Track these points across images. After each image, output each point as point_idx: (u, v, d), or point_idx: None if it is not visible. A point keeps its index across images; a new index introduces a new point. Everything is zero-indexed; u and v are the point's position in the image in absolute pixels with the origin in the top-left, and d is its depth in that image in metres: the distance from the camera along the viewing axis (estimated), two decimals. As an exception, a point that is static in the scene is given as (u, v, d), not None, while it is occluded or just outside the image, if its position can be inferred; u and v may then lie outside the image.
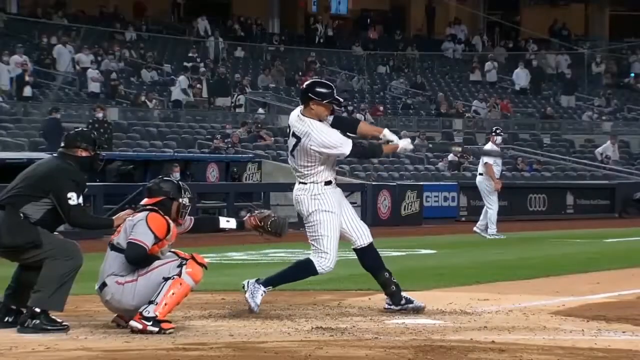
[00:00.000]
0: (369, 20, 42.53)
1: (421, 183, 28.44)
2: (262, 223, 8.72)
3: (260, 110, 33.01)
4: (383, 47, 39.95)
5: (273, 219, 8.78)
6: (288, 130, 8.91)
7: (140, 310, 7.72)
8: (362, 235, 8.97)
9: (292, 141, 8.77)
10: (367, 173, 30.64)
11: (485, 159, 20.43)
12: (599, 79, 42.87)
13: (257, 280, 8.84)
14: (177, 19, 39.21)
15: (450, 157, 32.33)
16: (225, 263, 14.47)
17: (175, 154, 26.53)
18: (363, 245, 8.96)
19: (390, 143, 8.97)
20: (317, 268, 8.85)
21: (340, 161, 30.78)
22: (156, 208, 8.06)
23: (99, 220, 9.20)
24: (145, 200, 8.18)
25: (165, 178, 8.47)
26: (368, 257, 8.98)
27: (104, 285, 7.91)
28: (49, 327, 7.76)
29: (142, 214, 8.01)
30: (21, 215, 7.86)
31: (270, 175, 27.21)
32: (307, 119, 8.70)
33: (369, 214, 25.48)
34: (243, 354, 6.91)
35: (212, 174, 24.77)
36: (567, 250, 17.51)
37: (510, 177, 30.77)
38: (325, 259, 8.84)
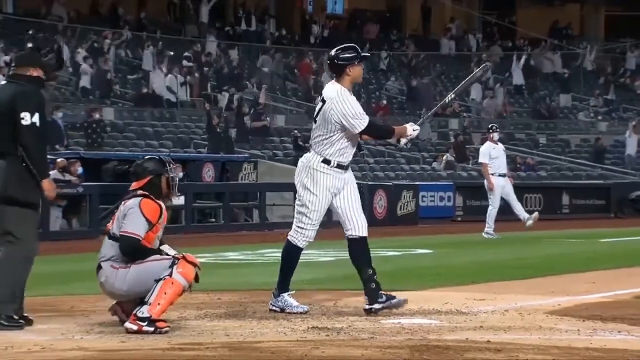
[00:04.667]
0: (364, 20, 42.51)
1: (417, 183, 28.48)
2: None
3: (261, 96, 32.97)
4: (379, 46, 39.96)
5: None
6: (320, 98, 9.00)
7: (135, 311, 7.73)
8: (356, 227, 8.95)
9: (318, 106, 8.88)
10: (363, 173, 30.64)
11: (479, 159, 20.45)
12: (595, 79, 42.92)
13: (275, 295, 8.89)
14: (173, 18, 39.19)
15: (446, 156, 32.36)
16: (221, 263, 14.46)
17: (171, 153, 26.51)
18: (354, 237, 8.94)
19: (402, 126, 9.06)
20: (296, 243, 8.92)
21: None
22: (147, 193, 8.05)
23: (45, 154, 8.22)
24: (133, 185, 8.15)
25: (146, 157, 8.48)
26: (356, 249, 8.96)
27: (99, 267, 7.99)
28: (5, 324, 7.79)
29: (134, 201, 7.99)
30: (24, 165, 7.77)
31: (265, 175, 27.22)
32: (338, 85, 8.79)
33: (365, 214, 25.43)
34: (239, 354, 6.91)
35: (208, 173, 24.77)
36: (562, 250, 17.51)
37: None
38: (301, 233, 8.90)
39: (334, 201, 8.91)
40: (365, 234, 8.99)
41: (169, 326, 7.77)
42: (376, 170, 31.55)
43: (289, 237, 8.97)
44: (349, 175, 8.99)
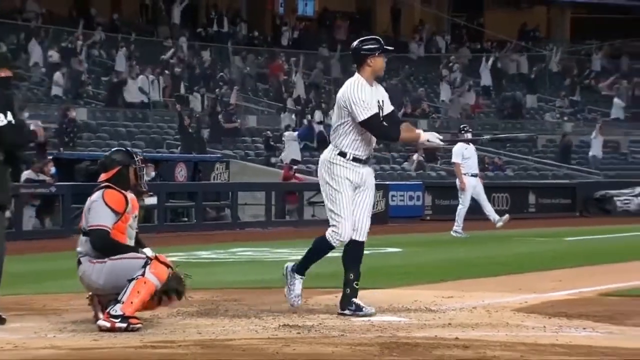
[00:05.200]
0: (335, 21, 42.53)
1: (387, 182, 28.51)
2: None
3: (232, 97, 32.91)
4: (350, 47, 39.94)
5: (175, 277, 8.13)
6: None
7: (108, 310, 7.74)
8: (360, 231, 8.76)
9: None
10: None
11: (453, 159, 20.49)
12: (561, 80, 43.16)
13: (293, 269, 8.81)
14: (146, 20, 39.03)
15: (416, 156, 32.43)
16: (193, 262, 14.42)
17: (144, 153, 26.42)
18: (355, 239, 8.76)
19: (416, 132, 8.89)
20: (330, 240, 8.72)
21: (309, 160, 30.99)
22: (110, 184, 8.10)
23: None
24: (102, 177, 8.20)
25: (114, 149, 8.54)
26: (351, 250, 8.80)
27: (79, 262, 8.05)
28: None
29: (97, 194, 8.05)
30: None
31: (237, 174, 27.20)
32: (358, 75, 8.63)
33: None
34: (211, 352, 6.89)
35: (181, 173, 24.72)
36: (529, 248, 17.60)
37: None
38: (334, 231, 8.67)
39: None
40: (363, 239, 8.83)
41: (141, 323, 7.75)
42: (347, 170, 31.54)
43: (326, 234, 8.73)
44: (368, 172, 8.74)
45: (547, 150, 37.68)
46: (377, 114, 8.52)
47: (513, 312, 8.89)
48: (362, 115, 8.48)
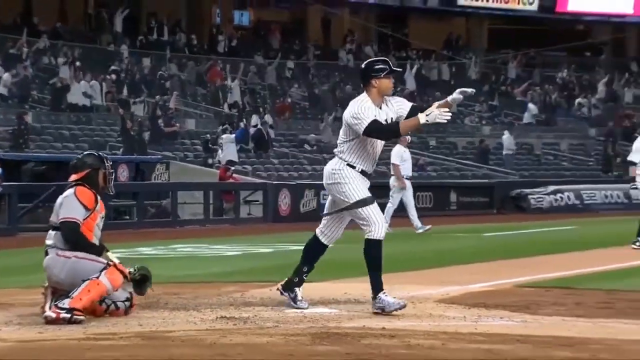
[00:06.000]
0: (269, 31, 42.51)
1: (319, 182, 28.46)
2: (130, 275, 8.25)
3: (172, 102, 32.67)
4: (284, 56, 39.94)
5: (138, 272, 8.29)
6: None
7: (56, 302, 7.75)
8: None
9: None
10: (269, 173, 30.64)
11: (392, 160, 20.40)
12: (480, 87, 43.60)
13: (372, 298, 8.44)
14: (89, 28, 38.58)
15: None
16: (135, 257, 14.28)
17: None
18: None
19: (414, 118, 8.38)
20: (371, 237, 8.47)
21: (245, 161, 30.85)
22: (81, 182, 8.20)
23: None
24: (72, 177, 8.29)
25: (86, 153, 8.64)
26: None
27: (46, 253, 8.11)
28: None
29: (70, 190, 8.17)
30: None
31: (177, 175, 27.06)
32: (364, 94, 8.41)
33: (270, 211, 25.44)
34: (151, 343, 6.84)
35: (123, 174, 24.49)
36: (451, 244, 17.74)
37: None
38: (368, 225, 8.41)
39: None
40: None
41: (84, 316, 7.71)
42: (281, 170, 31.56)
43: (365, 237, 8.48)
44: (368, 185, 8.49)
45: (467, 152, 38.03)
46: (375, 120, 8.24)
47: (435, 303, 8.95)
48: (363, 126, 8.22)
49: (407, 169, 20.34)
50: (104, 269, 7.90)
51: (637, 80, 46.19)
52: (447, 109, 8.30)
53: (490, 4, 44.36)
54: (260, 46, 40.36)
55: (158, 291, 9.64)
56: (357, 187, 8.38)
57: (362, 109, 8.29)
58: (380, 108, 8.40)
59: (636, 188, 15.26)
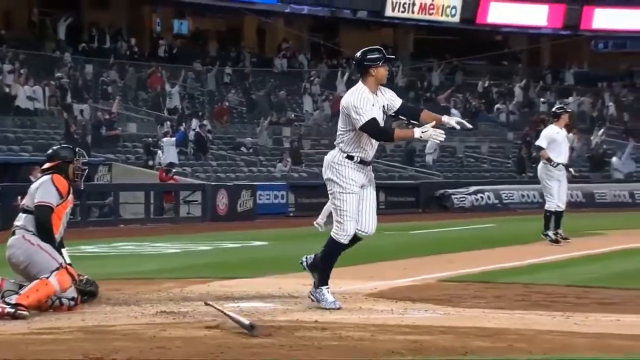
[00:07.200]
0: (206, 39, 42.35)
1: (255, 183, 28.51)
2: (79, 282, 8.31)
3: (114, 106, 32.35)
4: (222, 62, 39.78)
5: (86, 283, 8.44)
6: None
7: (5, 298, 7.68)
8: (364, 224, 8.48)
9: None
10: (207, 174, 30.49)
11: None
12: (406, 93, 43.91)
13: (315, 286, 8.28)
14: (34, 35, 38.02)
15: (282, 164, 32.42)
16: (78, 255, 14.09)
17: (32, 157, 25.80)
18: (362, 234, 8.47)
19: (410, 128, 8.33)
20: (338, 239, 8.29)
21: (184, 163, 30.67)
22: (57, 171, 8.31)
23: None
24: (46, 165, 8.43)
25: (64, 145, 8.84)
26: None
27: (13, 233, 8.15)
28: None
29: (47, 177, 8.28)
30: None
31: (119, 176, 26.80)
32: (361, 84, 8.28)
33: (208, 211, 25.33)
34: (94, 337, 6.76)
35: (67, 175, 24.16)
36: (379, 241, 17.79)
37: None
38: (340, 228, 8.26)
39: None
40: (373, 231, 8.61)
41: (28, 311, 7.60)
42: (219, 172, 31.43)
43: (331, 234, 8.31)
44: (370, 171, 8.43)
45: (395, 154, 38.27)
46: (373, 119, 8.13)
47: (365, 297, 8.99)
48: (360, 122, 8.11)
49: None
50: (56, 269, 7.86)
51: (550, 88, 47.04)
52: (442, 131, 8.27)
53: (415, 16, 44.75)
54: (198, 53, 40.19)
55: (100, 287, 9.53)
56: (349, 188, 8.27)
57: (362, 102, 8.16)
58: (376, 95, 8.32)
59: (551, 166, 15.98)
